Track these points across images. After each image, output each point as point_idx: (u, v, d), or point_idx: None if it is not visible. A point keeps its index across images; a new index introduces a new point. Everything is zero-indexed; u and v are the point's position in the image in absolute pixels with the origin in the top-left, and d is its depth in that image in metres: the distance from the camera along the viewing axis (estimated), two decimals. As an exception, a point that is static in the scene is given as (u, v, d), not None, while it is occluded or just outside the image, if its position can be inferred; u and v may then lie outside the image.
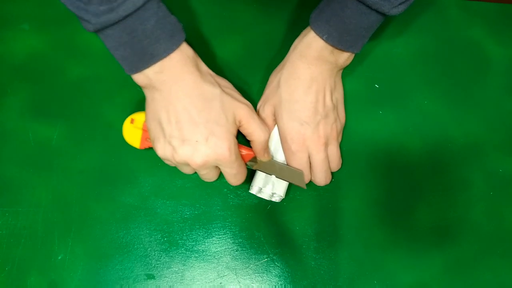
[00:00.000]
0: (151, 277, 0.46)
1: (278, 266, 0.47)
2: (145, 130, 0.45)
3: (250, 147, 0.45)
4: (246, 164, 0.45)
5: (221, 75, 0.50)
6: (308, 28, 0.44)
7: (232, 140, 0.41)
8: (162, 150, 0.41)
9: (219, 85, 0.42)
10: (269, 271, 0.47)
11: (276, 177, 0.45)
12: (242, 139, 0.46)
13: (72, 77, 0.49)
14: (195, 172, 0.43)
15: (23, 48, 0.50)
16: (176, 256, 0.46)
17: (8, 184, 0.47)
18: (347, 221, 0.48)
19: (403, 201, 0.49)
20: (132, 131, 0.46)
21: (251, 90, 0.50)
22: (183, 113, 0.40)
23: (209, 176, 0.43)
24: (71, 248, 0.46)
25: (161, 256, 0.46)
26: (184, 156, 0.40)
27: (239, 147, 0.43)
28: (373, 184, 0.49)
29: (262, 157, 0.44)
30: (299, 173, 0.45)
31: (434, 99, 0.51)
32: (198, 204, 0.48)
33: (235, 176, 0.42)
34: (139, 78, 0.40)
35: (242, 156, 0.43)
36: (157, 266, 0.46)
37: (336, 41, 0.42)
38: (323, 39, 0.42)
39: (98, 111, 0.49)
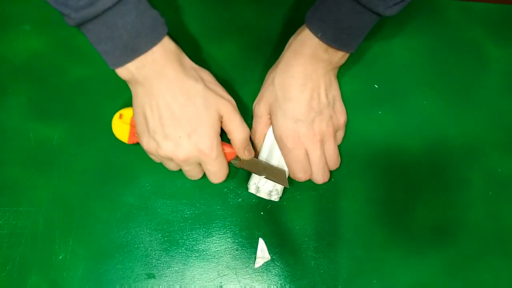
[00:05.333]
0: (151, 276, 0.46)
1: (278, 266, 0.47)
2: (133, 126, 0.46)
3: None
4: (230, 162, 0.45)
5: (219, 75, 0.50)
6: (304, 26, 0.45)
7: (215, 137, 0.41)
8: (147, 145, 0.42)
9: (203, 80, 0.42)
10: (269, 271, 0.47)
11: (260, 175, 0.46)
12: (226, 137, 0.46)
13: (73, 78, 0.50)
14: (180, 169, 0.44)
15: (24, 48, 0.50)
16: (177, 256, 0.47)
17: (9, 184, 0.47)
18: (346, 220, 0.48)
19: (403, 201, 0.49)
20: (120, 126, 0.46)
21: (249, 89, 0.50)
22: (166, 109, 0.40)
23: (192, 173, 0.43)
24: (71, 247, 0.46)
25: (162, 255, 0.46)
26: (167, 151, 0.40)
27: (222, 145, 0.43)
28: (372, 184, 0.49)
29: (242, 155, 0.45)
30: (282, 171, 0.45)
31: (433, 99, 0.51)
32: (198, 204, 0.48)
33: (215, 174, 0.43)
34: (122, 72, 0.40)
35: (225, 154, 0.43)
36: (158, 266, 0.46)
37: (331, 40, 0.42)
38: (317, 37, 0.43)
39: (99, 111, 0.49)
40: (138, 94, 0.41)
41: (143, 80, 0.40)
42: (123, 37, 0.38)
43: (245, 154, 0.44)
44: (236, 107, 0.44)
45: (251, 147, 0.46)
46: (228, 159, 0.44)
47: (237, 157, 0.45)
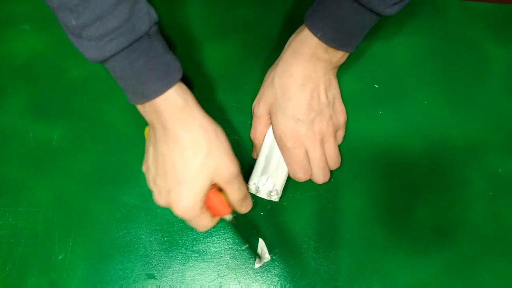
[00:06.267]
0: (151, 276, 0.46)
1: (278, 266, 0.47)
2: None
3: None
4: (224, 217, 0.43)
5: (218, 75, 0.50)
6: (303, 26, 0.45)
7: (192, 201, 0.39)
8: (145, 171, 0.44)
9: (208, 142, 0.39)
10: (269, 271, 0.47)
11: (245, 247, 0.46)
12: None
13: (73, 77, 0.50)
14: None
15: (24, 48, 0.50)
16: (177, 256, 0.47)
17: (9, 184, 0.47)
18: (346, 221, 0.48)
19: (403, 201, 0.49)
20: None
21: (249, 89, 0.50)
22: (161, 157, 0.40)
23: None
24: (71, 248, 0.46)
25: (162, 255, 0.46)
26: (153, 192, 0.42)
27: (214, 201, 0.41)
28: (372, 184, 0.49)
29: (240, 211, 0.43)
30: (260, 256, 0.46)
31: (433, 99, 0.51)
32: (198, 204, 0.48)
33: (195, 228, 0.41)
34: (138, 107, 0.41)
35: (212, 211, 0.42)
36: (158, 266, 0.46)
37: (330, 40, 0.42)
38: (317, 37, 0.42)
39: (98, 111, 0.49)
40: (150, 129, 0.42)
41: (149, 122, 0.41)
42: (132, 81, 0.38)
43: (242, 210, 0.43)
44: (237, 172, 0.41)
45: (250, 201, 0.44)
46: (216, 214, 0.42)
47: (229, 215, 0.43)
